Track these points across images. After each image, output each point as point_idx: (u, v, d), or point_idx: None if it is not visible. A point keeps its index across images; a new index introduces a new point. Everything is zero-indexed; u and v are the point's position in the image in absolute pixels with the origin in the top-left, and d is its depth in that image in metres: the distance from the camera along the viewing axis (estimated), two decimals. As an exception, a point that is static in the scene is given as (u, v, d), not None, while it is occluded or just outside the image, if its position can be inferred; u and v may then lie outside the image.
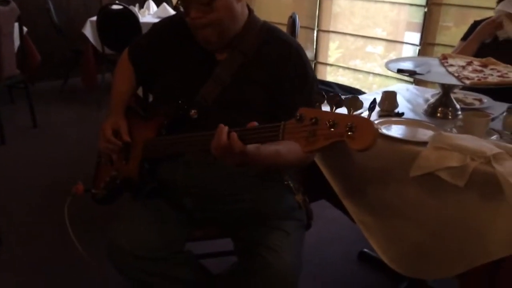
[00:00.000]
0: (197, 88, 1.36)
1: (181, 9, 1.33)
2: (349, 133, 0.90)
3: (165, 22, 1.56)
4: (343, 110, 0.98)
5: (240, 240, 1.40)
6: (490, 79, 1.60)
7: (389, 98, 1.77)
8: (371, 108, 0.96)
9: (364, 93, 3.22)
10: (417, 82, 3.00)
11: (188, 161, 1.37)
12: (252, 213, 1.38)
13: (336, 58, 4.98)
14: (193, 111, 1.34)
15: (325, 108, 1.01)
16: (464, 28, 2.38)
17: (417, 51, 3.66)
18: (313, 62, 4.53)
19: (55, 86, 4.80)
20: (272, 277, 1.24)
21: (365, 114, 0.99)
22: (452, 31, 3.75)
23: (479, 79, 1.59)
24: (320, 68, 4.58)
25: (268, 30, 1.42)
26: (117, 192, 1.53)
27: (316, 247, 2.25)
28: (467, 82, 1.57)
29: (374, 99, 1.00)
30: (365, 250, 2.20)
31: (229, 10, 1.31)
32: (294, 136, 0.99)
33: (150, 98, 1.76)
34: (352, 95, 0.97)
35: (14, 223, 2.44)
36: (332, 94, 0.99)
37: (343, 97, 0.98)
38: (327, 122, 0.93)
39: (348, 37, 4.59)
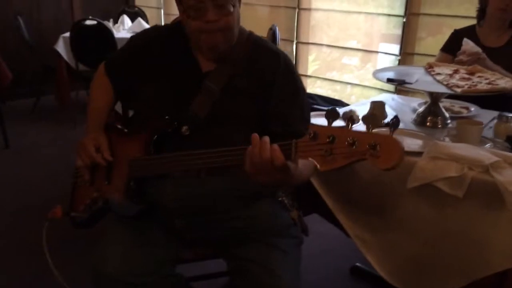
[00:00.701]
0: (185, 102, 1.30)
1: (186, 11, 1.24)
2: (372, 151, 0.86)
3: (144, 34, 1.50)
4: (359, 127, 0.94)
5: (234, 259, 1.33)
6: (480, 87, 1.58)
7: (378, 108, 1.74)
8: (393, 124, 0.91)
9: (346, 104, 3.22)
10: (399, 92, 3.00)
11: (177, 180, 1.29)
12: (247, 231, 1.31)
13: (313, 70, 4.99)
14: (184, 127, 1.27)
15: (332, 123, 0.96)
16: (441, 38, 2.40)
17: (397, 61, 3.67)
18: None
19: (27, 105, 4.64)
20: None
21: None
22: (428, 41, 3.80)
23: (469, 87, 1.58)
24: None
25: (255, 40, 1.38)
26: (99, 215, 1.43)
27: (308, 262, 2.15)
28: (458, 90, 1.56)
29: (396, 116, 0.96)
30: (358, 264, 2.15)
31: (238, 16, 1.27)
32: (308, 154, 0.95)
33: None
34: (370, 113, 0.92)
35: (-14, 250, 2.31)
36: (347, 110, 0.95)
37: (356, 112, 0.93)
38: (346, 141, 0.89)
39: (324, 49, 4.60)
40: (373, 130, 0.92)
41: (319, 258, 2.23)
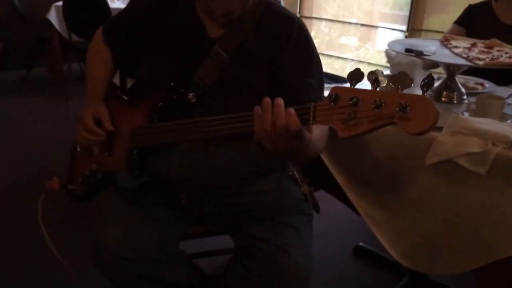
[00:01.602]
0: (191, 68, 1.20)
1: None
2: (401, 113, 0.77)
3: None
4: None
5: (242, 237, 1.25)
6: (502, 60, 1.50)
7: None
8: (426, 84, 0.82)
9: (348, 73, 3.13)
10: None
11: (182, 151, 1.20)
12: (256, 208, 1.23)
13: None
14: (191, 94, 1.18)
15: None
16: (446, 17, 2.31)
17: (404, 37, 3.58)
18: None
19: (18, 76, 4.49)
20: (285, 283, 1.10)
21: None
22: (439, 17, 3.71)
23: (491, 60, 1.49)
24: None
25: (268, 4, 1.28)
26: (98, 188, 1.35)
27: (310, 242, 2.14)
28: (480, 63, 1.47)
29: (430, 74, 0.87)
30: (361, 244, 2.09)
31: None
32: (329, 119, 0.86)
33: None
34: (400, 71, 0.83)
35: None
36: (373, 70, 0.86)
37: (385, 73, 0.84)
38: (372, 102, 0.80)
39: (323, 27, 4.49)
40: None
41: (322, 238, 2.17)
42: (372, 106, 0.81)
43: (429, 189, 1.35)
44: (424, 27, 3.45)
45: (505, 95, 1.72)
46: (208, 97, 1.19)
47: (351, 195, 1.52)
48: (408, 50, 1.54)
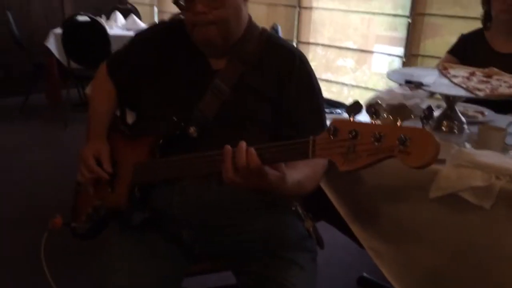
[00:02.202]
0: (193, 102, 1.21)
1: (177, 2, 1.17)
2: (401, 147, 0.76)
3: (148, 31, 1.42)
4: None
5: (246, 274, 1.23)
6: (502, 90, 1.51)
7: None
8: (426, 117, 0.82)
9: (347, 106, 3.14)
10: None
11: (184, 187, 1.19)
12: (260, 245, 1.22)
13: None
14: (192, 128, 1.18)
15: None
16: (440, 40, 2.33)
17: (398, 63, 3.61)
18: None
19: (16, 103, 4.49)
20: None
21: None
22: (428, 43, 3.75)
23: (491, 91, 1.50)
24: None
25: (269, 37, 1.30)
26: (101, 225, 1.34)
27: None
28: (480, 94, 1.48)
29: (430, 106, 0.87)
30: (365, 274, 2.07)
31: (236, 9, 1.18)
32: (328, 153, 0.85)
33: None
34: (398, 102, 0.83)
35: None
36: (372, 102, 0.85)
37: (384, 104, 0.84)
38: (371, 135, 0.79)
39: (319, 50, 4.52)
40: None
41: (325, 268, 2.14)
42: (372, 139, 0.81)
43: (432, 221, 1.35)
44: (421, 52, 3.48)
45: (504, 124, 1.73)
46: (209, 131, 1.19)
47: (354, 228, 1.51)
48: (408, 82, 1.55)
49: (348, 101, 3.72)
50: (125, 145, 1.31)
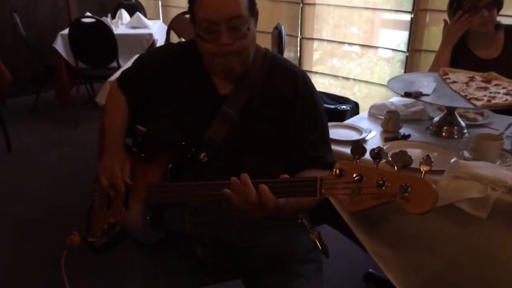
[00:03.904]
0: (202, 127, 1.27)
1: (200, 34, 1.21)
2: (402, 194, 0.83)
3: (157, 54, 1.45)
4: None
5: (255, 286, 1.32)
6: (499, 99, 1.56)
7: (393, 119, 1.72)
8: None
9: (352, 101, 3.18)
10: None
11: (196, 208, 1.27)
12: (269, 259, 1.29)
13: (315, 59, 4.94)
14: (202, 154, 1.24)
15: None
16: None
17: (404, 57, 3.63)
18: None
19: (27, 102, 4.58)
20: None
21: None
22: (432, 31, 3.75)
23: (488, 100, 1.55)
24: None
25: (272, 59, 1.35)
26: (118, 239, 1.41)
27: (320, 269, 2.18)
28: (478, 103, 1.53)
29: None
30: (371, 270, 2.14)
31: (254, 37, 1.24)
32: (335, 193, 0.93)
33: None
34: (400, 150, 0.89)
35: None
36: (375, 149, 0.91)
37: (384, 147, 0.90)
38: (375, 181, 0.86)
39: (325, 36, 4.53)
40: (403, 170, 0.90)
41: (332, 264, 2.19)
42: (375, 184, 0.87)
43: (433, 229, 1.41)
44: (425, 37, 3.48)
45: (504, 125, 1.78)
46: (219, 155, 1.25)
47: (358, 233, 1.57)
48: (407, 94, 1.59)
49: (354, 90, 3.74)
50: (137, 165, 1.37)
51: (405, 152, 0.89)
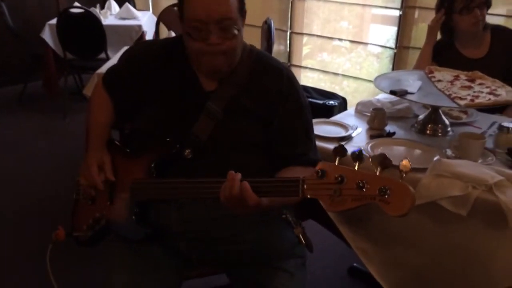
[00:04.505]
0: (188, 124, 1.27)
1: (188, 32, 1.20)
2: (382, 196, 0.85)
3: (143, 50, 1.44)
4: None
5: (239, 281, 1.34)
6: (482, 99, 1.58)
7: (379, 116, 1.74)
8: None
9: (340, 96, 3.20)
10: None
11: (182, 204, 1.28)
12: (253, 254, 1.31)
13: (305, 54, 4.95)
14: (187, 151, 1.25)
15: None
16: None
17: (392, 53, 3.66)
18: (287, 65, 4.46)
19: (14, 92, 4.53)
20: None
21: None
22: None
23: (471, 100, 1.57)
24: (294, 71, 4.51)
25: (258, 56, 1.35)
26: (102, 234, 1.42)
27: (304, 263, 2.21)
28: (461, 103, 1.55)
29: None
30: (355, 265, 2.17)
31: (242, 38, 1.25)
32: (316, 193, 0.95)
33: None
34: (380, 153, 0.91)
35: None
36: (356, 150, 0.93)
37: (369, 144, 0.92)
38: (355, 183, 0.88)
39: (314, 31, 4.53)
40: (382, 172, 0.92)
41: (317, 258, 2.26)
42: (356, 186, 0.89)
43: (415, 226, 1.43)
44: (412, 45, 3.52)
45: (487, 123, 1.81)
46: (204, 152, 1.26)
47: (342, 229, 1.59)
48: (392, 92, 1.61)
49: (343, 85, 3.75)
50: (122, 160, 1.37)
51: (385, 155, 0.91)
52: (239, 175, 1.04)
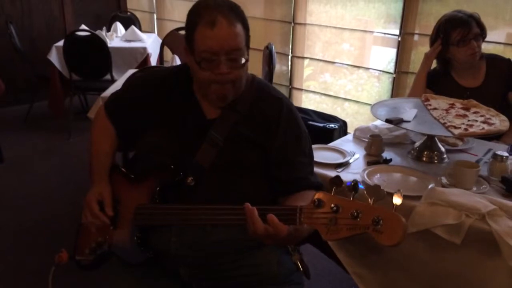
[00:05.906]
0: (190, 151, 1.31)
1: (198, 63, 1.24)
2: (375, 226, 0.89)
3: (146, 77, 1.50)
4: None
5: (237, 306, 1.36)
6: (476, 128, 1.62)
7: (376, 143, 1.78)
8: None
9: (341, 120, 3.24)
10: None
11: (182, 229, 1.31)
12: (251, 280, 1.34)
13: (307, 75, 5.01)
14: (190, 178, 1.29)
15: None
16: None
17: (393, 78, 3.72)
18: (288, 88, 4.52)
19: (20, 112, 4.60)
20: None
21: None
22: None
23: (465, 129, 1.61)
24: (295, 94, 4.57)
25: (259, 86, 1.40)
26: (104, 258, 1.45)
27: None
28: (456, 132, 1.59)
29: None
30: (354, 288, 2.19)
31: (247, 67, 1.30)
32: (313, 222, 0.99)
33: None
34: (374, 184, 0.96)
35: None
36: (352, 182, 0.98)
37: (366, 171, 0.96)
38: (350, 213, 0.92)
39: (317, 51, 4.60)
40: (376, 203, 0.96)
41: (314, 282, 2.26)
42: (350, 215, 0.94)
43: (410, 252, 1.46)
44: (411, 67, 3.58)
45: (483, 150, 1.84)
46: (206, 179, 1.30)
47: (339, 254, 1.62)
48: (388, 121, 1.65)
49: (345, 106, 3.78)
50: (126, 186, 1.41)
51: (379, 186, 0.95)
52: (255, 210, 1.07)
